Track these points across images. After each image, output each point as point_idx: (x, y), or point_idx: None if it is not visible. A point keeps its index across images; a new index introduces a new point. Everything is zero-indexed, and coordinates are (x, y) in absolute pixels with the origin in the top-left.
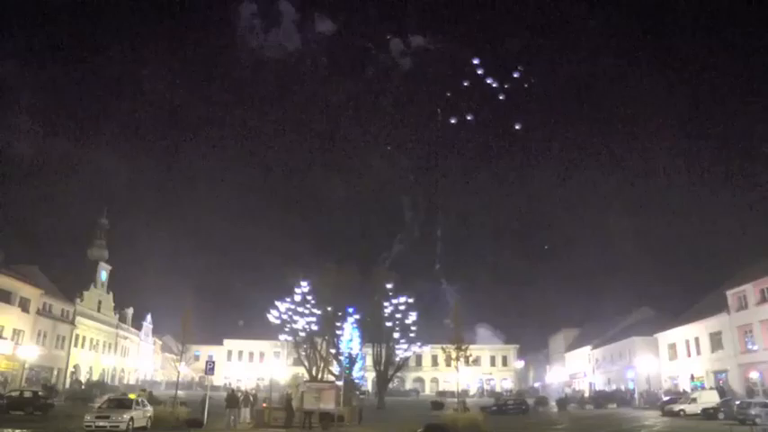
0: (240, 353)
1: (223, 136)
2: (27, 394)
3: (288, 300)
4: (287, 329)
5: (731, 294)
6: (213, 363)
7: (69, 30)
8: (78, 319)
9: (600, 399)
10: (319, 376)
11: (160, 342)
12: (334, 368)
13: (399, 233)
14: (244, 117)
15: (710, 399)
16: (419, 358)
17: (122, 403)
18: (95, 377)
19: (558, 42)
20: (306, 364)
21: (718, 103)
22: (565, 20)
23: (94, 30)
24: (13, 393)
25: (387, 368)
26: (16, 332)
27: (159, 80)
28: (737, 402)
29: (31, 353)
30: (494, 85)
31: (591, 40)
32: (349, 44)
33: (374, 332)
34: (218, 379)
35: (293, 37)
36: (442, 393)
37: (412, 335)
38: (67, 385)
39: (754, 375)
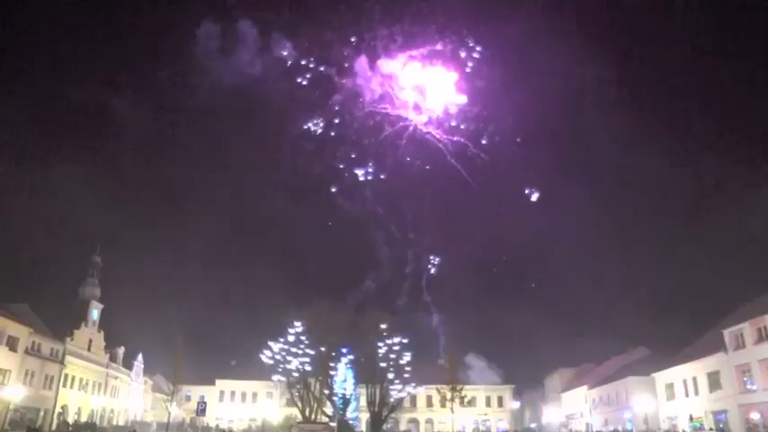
0: (232, 393)
1: (199, 168)
2: None
3: (281, 340)
4: (280, 370)
5: (728, 333)
6: (205, 403)
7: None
8: (68, 358)
9: None
10: (313, 417)
11: (151, 382)
12: (328, 409)
13: (374, 272)
14: (213, 151)
15: None
16: (413, 399)
17: None
18: (84, 418)
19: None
20: (299, 404)
21: (709, 139)
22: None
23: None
24: None
25: (381, 409)
26: (2, 372)
27: (130, 114)
28: None
29: (16, 393)
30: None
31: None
32: (312, 71)
33: (368, 373)
34: (209, 420)
35: (255, 63)
36: None
37: (406, 375)
38: (54, 426)
39: (754, 416)
